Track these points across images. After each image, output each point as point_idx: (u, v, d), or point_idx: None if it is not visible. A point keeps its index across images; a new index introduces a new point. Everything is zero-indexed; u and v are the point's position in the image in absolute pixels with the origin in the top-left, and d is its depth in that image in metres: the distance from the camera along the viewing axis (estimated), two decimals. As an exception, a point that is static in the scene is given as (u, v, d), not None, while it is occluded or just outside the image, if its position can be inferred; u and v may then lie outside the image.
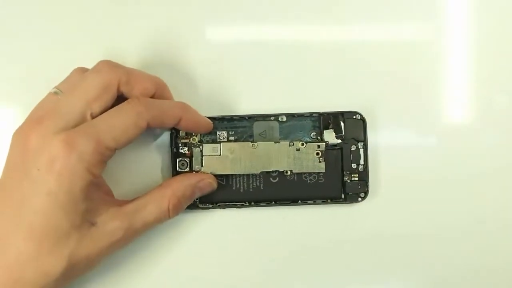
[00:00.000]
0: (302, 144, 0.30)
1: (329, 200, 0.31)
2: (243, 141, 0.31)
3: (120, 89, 0.27)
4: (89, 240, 0.26)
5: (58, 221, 0.25)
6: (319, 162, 0.30)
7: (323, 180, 0.31)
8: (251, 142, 0.30)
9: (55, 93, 0.27)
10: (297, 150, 0.30)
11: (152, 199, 0.28)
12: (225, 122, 0.31)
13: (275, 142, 0.30)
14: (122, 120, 0.26)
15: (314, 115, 0.31)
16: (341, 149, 0.31)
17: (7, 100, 0.31)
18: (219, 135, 0.31)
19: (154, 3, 0.32)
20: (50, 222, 0.25)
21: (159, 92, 0.28)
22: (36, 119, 0.26)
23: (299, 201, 0.31)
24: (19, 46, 0.31)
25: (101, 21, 0.31)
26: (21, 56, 0.31)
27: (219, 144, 0.30)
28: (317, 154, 0.30)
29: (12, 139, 0.26)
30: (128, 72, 0.27)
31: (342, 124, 0.31)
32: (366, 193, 0.31)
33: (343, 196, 0.31)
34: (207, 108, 0.31)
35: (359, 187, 0.31)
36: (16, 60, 0.31)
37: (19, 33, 0.31)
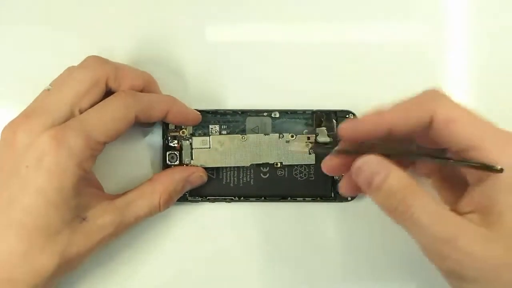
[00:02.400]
0: (292, 136, 0.30)
1: (318, 198, 0.31)
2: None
3: (108, 84, 0.27)
4: (80, 236, 0.26)
5: (49, 218, 0.25)
6: (309, 154, 0.30)
7: (313, 178, 0.31)
8: (241, 135, 0.30)
9: (48, 90, 0.27)
10: (287, 142, 0.30)
11: (142, 193, 0.28)
12: (218, 116, 0.31)
13: (265, 135, 0.30)
14: (110, 113, 0.26)
15: (307, 112, 0.31)
16: (333, 147, 0.31)
17: (5, 101, 0.32)
18: (211, 128, 0.31)
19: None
20: (40, 219, 0.25)
21: (147, 87, 0.28)
22: (24, 115, 0.26)
23: (289, 198, 0.31)
24: (17, 46, 0.32)
25: (100, 20, 0.32)
26: (19, 56, 0.32)
27: (208, 137, 0.30)
28: (307, 146, 0.30)
29: (1, 135, 0.26)
30: (116, 68, 0.27)
31: (334, 122, 0.31)
32: (356, 193, 0.31)
33: (332, 195, 0.31)
34: (201, 102, 0.31)
35: None
36: (14, 60, 0.32)
37: (16, 33, 0.32)
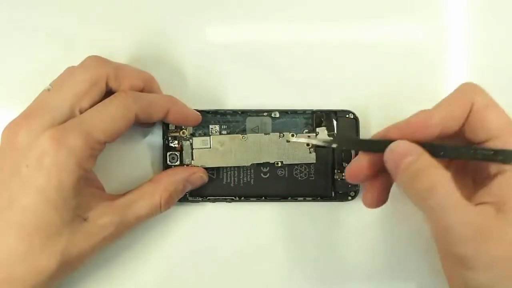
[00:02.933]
0: (292, 135, 0.30)
1: (318, 198, 0.31)
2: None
3: (108, 84, 0.27)
4: (81, 236, 0.26)
5: (49, 218, 0.25)
6: (310, 153, 0.30)
7: (313, 178, 0.31)
8: (241, 134, 0.30)
9: (48, 90, 0.27)
10: (287, 142, 0.30)
11: (143, 194, 0.28)
12: (218, 116, 0.31)
13: (265, 134, 0.30)
14: (110, 113, 0.26)
15: (307, 112, 0.31)
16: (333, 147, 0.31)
17: (5, 101, 0.31)
18: (212, 128, 0.31)
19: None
20: (40, 219, 0.25)
21: (147, 87, 0.28)
22: (24, 115, 0.26)
23: (289, 198, 0.31)
24: (17, 46, 0.32)
25: (101, 20, 0.32)
26: (19, 56, 0.32)
27: (209, 137, 0.30)
28: (308, 145, 0.30)
29: (1, 135, 0.26)
30: (117, 67, 0.27)
31: (334, 122, 0.31)
32: (356, 192, 0.31)
33: (333, 194, 0.31)
34: (201, 102, 0.31)
35: (349, 186, 0.31)
36: (14, 60, 0.32)
37: (17, 33, 0.32)
